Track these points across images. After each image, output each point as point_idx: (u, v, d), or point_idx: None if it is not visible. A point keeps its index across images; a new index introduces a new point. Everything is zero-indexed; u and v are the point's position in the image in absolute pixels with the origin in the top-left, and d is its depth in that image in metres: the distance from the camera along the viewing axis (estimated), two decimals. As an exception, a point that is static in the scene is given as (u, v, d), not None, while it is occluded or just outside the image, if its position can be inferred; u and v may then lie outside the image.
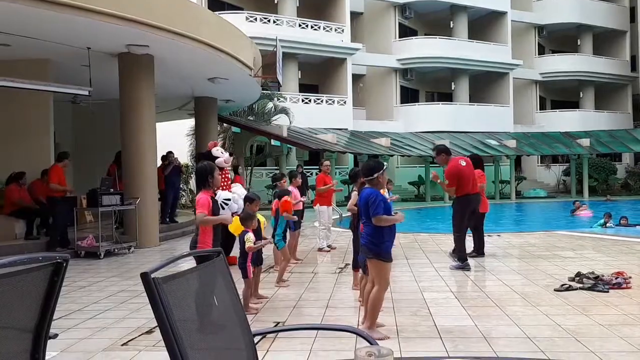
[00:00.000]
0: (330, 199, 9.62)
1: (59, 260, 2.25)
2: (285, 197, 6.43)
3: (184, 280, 1.87)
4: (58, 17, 7.45)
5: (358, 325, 4.49)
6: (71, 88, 8.94)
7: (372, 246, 4.30)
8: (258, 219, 5.35)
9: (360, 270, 5.09)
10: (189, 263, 5.21)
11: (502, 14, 29.05)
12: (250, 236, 5.07)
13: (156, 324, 1.71)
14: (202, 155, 7.53)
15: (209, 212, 4.50)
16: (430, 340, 4.13)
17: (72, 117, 13.97)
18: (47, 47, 8.81)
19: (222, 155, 7.06)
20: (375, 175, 4.39)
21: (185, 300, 1.87)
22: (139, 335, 4.41)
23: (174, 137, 19.52)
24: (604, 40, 32.62)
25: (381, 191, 4.49)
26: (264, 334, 2.33)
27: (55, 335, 2.37)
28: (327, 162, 9.80)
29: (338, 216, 11.79)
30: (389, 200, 4.59)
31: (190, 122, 18.27)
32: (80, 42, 8.66)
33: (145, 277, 1.70)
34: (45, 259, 2.26)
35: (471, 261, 7.75)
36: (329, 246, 9.17)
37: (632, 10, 31.65)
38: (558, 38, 32.56)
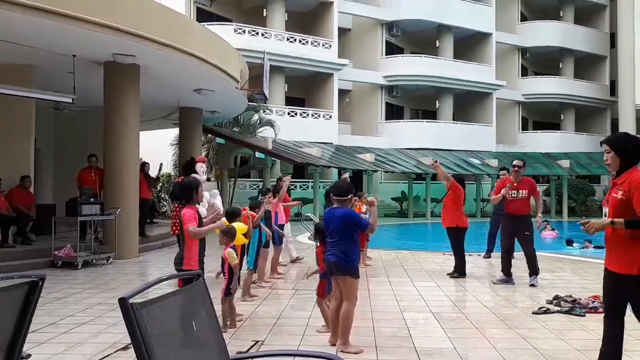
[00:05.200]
0: (288, 215, 9.70)
1: (34, 279, 2.22)
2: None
3: (162, 305, 1.85)
4: (44, 23, 7.37)
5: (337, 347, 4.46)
6: (55, 95, 8.83)
7: (345, 263, 4.37)
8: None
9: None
10: (171, 269, 5.17)
11: (487, 35, 29.57)
12: (231, 251, 5.02)
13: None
14: (187, 162, 7.53)
15: (197, 226, 4.48)
16: (409, 363, 4.13)
17: (54, 123, 13.80)
18: (31, 53, 8.71)
19: (201, 175, 7.11)
20: (350, 196, 4.51)
21: (164, 326, 1.84)
22: (115, 352, 4.32)
23: (157, 146, 19.40)
24: (584, 65, 33.39)
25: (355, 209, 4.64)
26: (241, 359, 2.31)
27: (29, 356, 2.32)
28: (286, 178, 9.96)
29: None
30: (369, 199, 4.80)
31: (174, 132, 18.17)
32: (66, 49, 8.58)
33: (123, 302, 1.68)
34: (20, 277, 2.23)
35: (451, 281, 7.80)
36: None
37: (612, 36, 32.49)
38: (541, 61, 33.24)
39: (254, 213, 6.28)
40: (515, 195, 7.37)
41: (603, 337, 3.59)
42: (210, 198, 7.06)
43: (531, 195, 7.41)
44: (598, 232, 3.41)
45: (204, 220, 4.84)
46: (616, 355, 3.49)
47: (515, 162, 7.64)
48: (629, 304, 3.41)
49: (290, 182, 16.90)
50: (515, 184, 7.43)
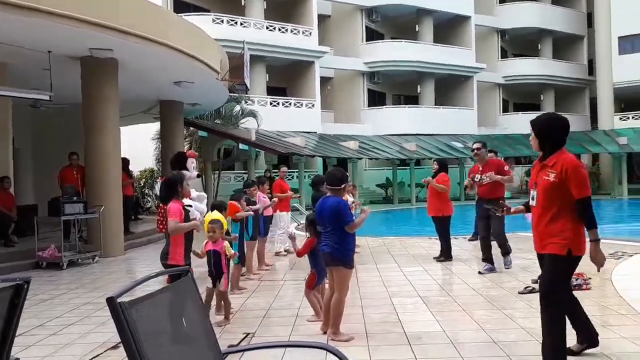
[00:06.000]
0: (289, 204, 9.69)
1: (19, 282, 2.19)
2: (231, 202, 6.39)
3: (151, 303, 1.84)
4: (16, 19, 7.19)
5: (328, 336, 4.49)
6: (31, 93, 8.65)
7: (340, 254, 4.37)
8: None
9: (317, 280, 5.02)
10: (158, 266, 5.11)
11: (466, 18, 29.64)
12: (227, 244, 5.03)
13: (122, 340, 1.69)
14: (176, 156, 7.40)
15: (181, 221, 4.45)
16: (400, 347, 4.18)
17: (32, 121, 13.54)
18: (4, 50, 8.50)
19: (192, 172, 7.00)
20: (343, 185, 4.49)
21: (153, 323, 1.83)
22: (105, 351, 4.30)
23: (138, 142, 19.18)
24: (563, 45, 33.70)
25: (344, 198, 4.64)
26: (233, 353, 2.32)
27: (17, 360, 2.30)
28: (283, 168, 10.06)
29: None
30: (353, 207, 4.77)
31: (155, 126, 17.97)
32: (40, 45, 8.40)
33: (111, 301, 1.66)
34: (5, 281, 2.20)
35: (438, 265, 7.89)
36: (286, 250, 9.28)
37: (589, 16, 32.80)
38: (519, 42, 33.45)
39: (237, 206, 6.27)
40: (482, 179, 7.02)
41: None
42: (197, 201, 6.84)
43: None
44: (603, 258, 3.37)
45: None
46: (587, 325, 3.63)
47: (474, 146, 7.32)
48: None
49: (275, 172, 16.90)
50: (480, 168, 7.14)
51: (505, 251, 7.30)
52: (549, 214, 3.38)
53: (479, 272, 7.11)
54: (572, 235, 3.32)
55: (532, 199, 3.54)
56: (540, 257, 3.57)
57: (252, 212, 6.84)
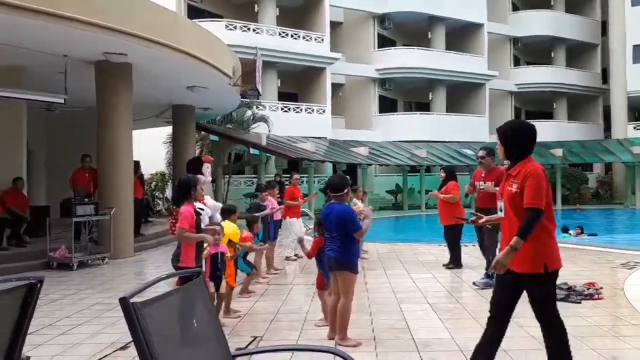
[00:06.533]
0: (299, 210, 9.66)
1: (32, 281, 2.22)
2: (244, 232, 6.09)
3: (163, 304, 1.85)
4: (33, 24, 7.31)
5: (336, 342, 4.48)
6: (46, 96, 8.76)
7: (345, 259, 4.39)
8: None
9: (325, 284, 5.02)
10: (167, 268, 5.14)
11: (478, 25, 29.58)
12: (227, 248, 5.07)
13: (131, 339, 1.70)
14: (192, 161, 7.45)
15: (192, 226, 4.46)
16: (408, 354, 4.16)
17: (46, 124, 13.71)
18: (22, 54, 8.63)
19: (207, 177, 7.03)
20: (346, 190, 4.53)
21: (165, 324, 1.85)
22: (114, 352, 4.33)
23: (150, 145, 19.33)
24: (576, 53, 33.49)
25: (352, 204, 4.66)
26: (241, 356, 2.33)
27: (28, 358, 2.33)
28: (296, 176, 10.07)
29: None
30: (365, 212, 4.77)
31: (167, 130, 18.10)
32: (56, 49, 8.51)
33: (124, 302, 1.68)
34: (18, 279, 2.22)
35: (447, 272, 7.85)
36: (296, 255, 9.25)
37: (603, 24, 32.57)
38: (533, 50, 33.31)
39: (250, 234, 6.08)
40: (482, 187, 6.68)
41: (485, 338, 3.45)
42: (213, 211, 6.79)
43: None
44: (506, 266, 3.10)
45: (202, 227, 4.79)
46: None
47: (479, 153, 6.96)
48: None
49: (285, 177, 16.94)
50: (483, 174, 6.78)
51: (487, 271, 6.66)
52: (516, 227, 3.10)
53: (473, 284, 6.72)
54: (544, 249, 3.12)
55: (500, 210, 3.32)
56: (507, 272, 3.18)
57: (266, 246, 6.59)
